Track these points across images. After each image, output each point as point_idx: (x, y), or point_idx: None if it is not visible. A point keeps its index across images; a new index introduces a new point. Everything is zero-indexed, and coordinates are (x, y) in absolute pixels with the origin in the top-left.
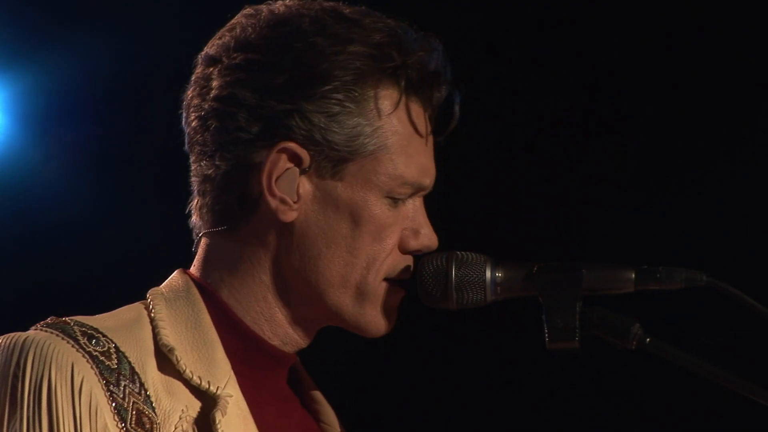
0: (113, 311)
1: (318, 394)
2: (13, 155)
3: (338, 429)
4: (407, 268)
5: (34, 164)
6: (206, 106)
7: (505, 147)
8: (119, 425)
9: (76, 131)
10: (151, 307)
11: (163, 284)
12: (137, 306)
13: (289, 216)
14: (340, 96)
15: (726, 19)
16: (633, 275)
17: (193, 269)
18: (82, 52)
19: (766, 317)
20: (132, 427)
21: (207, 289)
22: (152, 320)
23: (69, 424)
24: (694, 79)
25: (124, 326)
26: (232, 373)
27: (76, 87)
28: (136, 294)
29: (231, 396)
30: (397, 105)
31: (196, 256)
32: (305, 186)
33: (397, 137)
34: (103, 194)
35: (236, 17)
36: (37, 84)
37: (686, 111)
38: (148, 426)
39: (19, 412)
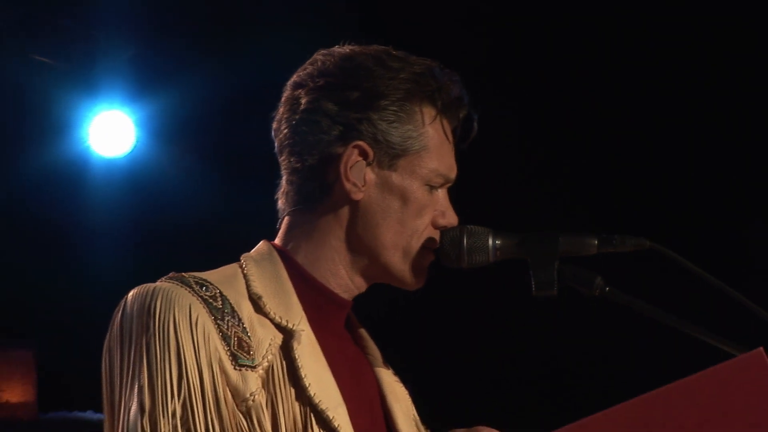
0: (216, 269)
1: (364, 332)
2: (148, 161)
3: (381, 360)
4: (436, 239)
5: (164, 167)
6: (297, 117)
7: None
8: (225, 348)
9: (196, 142)
10: (243, 265)
11: (252, 251)
12: (233, 265)
13: (358, 196)
14: (395, 108)
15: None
16: (596, 241)
17: (277, 240)
18: (200, 81)
19: (696, 273)
20: (235, 350)
21: (285, 253)
22: (245, 275)
23: (190, 347)
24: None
25: (225, 278)
26: (303, 314)
27: (195, 108)
28: (236, 259)
29: (303, 331)
30: (434, 119)
31: (280, 231)
32: (369, 174)
33: (434, 142)
34: (217, 190)
35: (314, 56)
36: (165, 106)
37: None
38: (246, 348)
39: (153, 339)
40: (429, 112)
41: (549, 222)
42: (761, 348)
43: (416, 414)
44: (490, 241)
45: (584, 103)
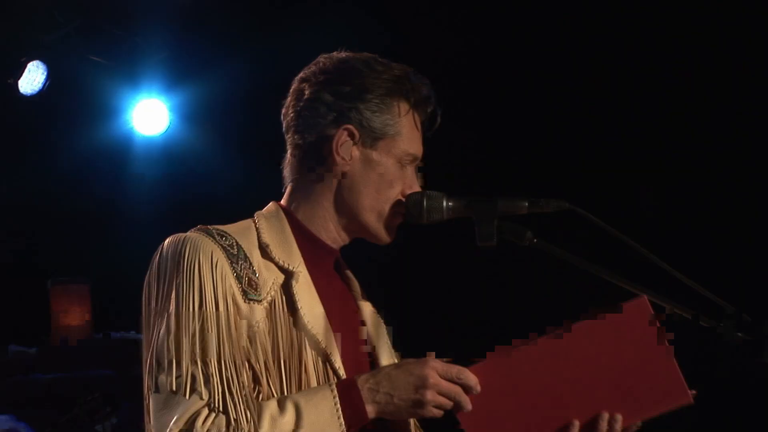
0: (234, 223)
1: (349, 273)
2: (180, 139)
3: (362, 295)
4: (403, 205)
5: (192, 144)
6: (301, 104)
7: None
8: (238, 286)
9: (219, 123)
10: (256, 220)
11: (263, 209)
12: (248, 220)
13: (345, 168)
14: (378, 101)
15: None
16: (526, 203)
17: (282, 201)
18: (222, 75)
19: (603, 227)
20: (246, 287)
21: (289, 211)
22: (257, 228)
23: (209, 284)
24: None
25: (241, 231)
26: (302, 259)
27: (218, 96)
28: (250, 216)
29: (301, 272)
30: (407, 112)
31: (285, 194)
32: (354, 152)
33: (407, 129)
34: (235, 162)
35: (317, 58)
36: (194, 95)
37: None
38: (254, 286)
39: (182, 277)
40: (404, 106)
41: (490, 188)
42: (645, 296)
43: (389, 340)
44: (445, 203)
45: (523, 93)
